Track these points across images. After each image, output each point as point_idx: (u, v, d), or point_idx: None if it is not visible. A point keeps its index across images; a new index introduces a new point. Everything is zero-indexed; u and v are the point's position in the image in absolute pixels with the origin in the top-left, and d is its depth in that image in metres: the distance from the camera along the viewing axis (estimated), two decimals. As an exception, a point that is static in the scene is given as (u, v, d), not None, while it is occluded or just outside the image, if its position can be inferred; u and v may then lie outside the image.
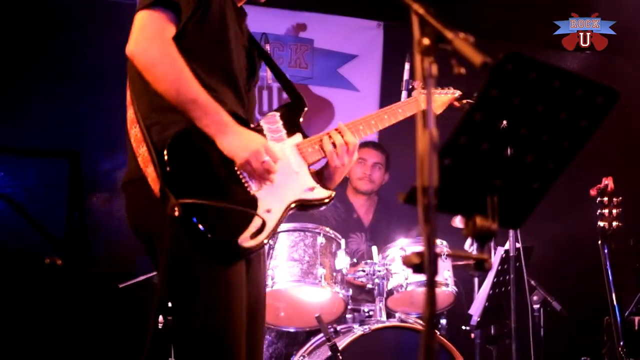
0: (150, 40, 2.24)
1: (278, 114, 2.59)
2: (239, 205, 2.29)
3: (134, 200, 2.38)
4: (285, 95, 2.84)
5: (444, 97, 3.18)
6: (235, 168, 2.33)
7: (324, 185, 2.57)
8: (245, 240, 2.25)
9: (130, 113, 2.35)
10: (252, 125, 2.51)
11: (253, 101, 2.63)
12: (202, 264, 2.25)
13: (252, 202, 2.34)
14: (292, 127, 2.58)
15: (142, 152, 2.26)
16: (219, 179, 2.30)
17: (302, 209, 2.52)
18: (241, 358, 2.29)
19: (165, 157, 2.21)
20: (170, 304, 4.25)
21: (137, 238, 2.43)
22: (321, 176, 2.62)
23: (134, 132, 2.30)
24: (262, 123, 2.51)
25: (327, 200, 2.54)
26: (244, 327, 2.33)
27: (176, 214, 2.10)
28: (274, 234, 2.41)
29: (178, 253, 2.21)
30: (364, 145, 5.00)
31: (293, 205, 2.46)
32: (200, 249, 2.21)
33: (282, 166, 2.43)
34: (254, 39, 2.68)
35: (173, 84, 2.22)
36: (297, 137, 2.57)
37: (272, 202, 2.38)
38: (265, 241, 2.32)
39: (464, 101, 3.21)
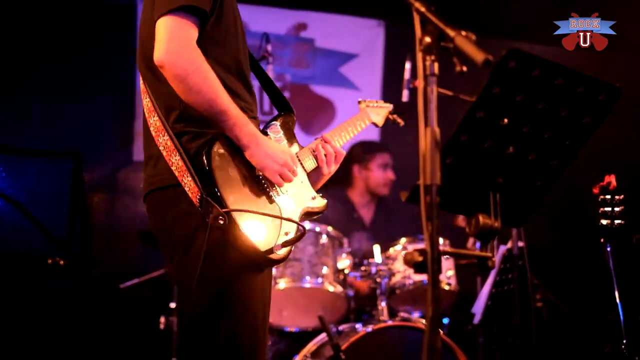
0: (180, 49, 2.18)
1: (278, 123, 2.60)
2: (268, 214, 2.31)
3: (167, 206, 2.33)
4: (287, 94, 2.83)
5: (383, 111, 3.14)
6: (261, 178, 2.35)
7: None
8: (278, 248, 2.27)
9: (156, 121, 2.31)
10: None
11: None
12: (237, 270, 2.25)
13: (276, 212, 2.36)
14: (290, 136, 2.60)
15: (175, 160, 2.24)
16: (251, 188, 2.32)
17: (305, 218, 2.56)
18: None
19: (205, 167, 2.21)
20: (174, 305, 4.28)
21: (162, 243, 2.40)
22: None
23: (163, 140, 2.28)
24: (268, 132, 2.52)
25: (324, 210, 2.59)
26: (266, 332, 2.37)
27: (221, 222, 2.13)
28: None
29: (215, 260, 2.21)
30: (383, 150, 4.98)
31: (302, 214, 2.49)
32: (242, 256, 2.21)
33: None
34: None
35: (206, 96, 2.20)
36: (296, 147, 2.60)
37: (290, 212, 2.41)
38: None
39: (393, 116, 3.19)
